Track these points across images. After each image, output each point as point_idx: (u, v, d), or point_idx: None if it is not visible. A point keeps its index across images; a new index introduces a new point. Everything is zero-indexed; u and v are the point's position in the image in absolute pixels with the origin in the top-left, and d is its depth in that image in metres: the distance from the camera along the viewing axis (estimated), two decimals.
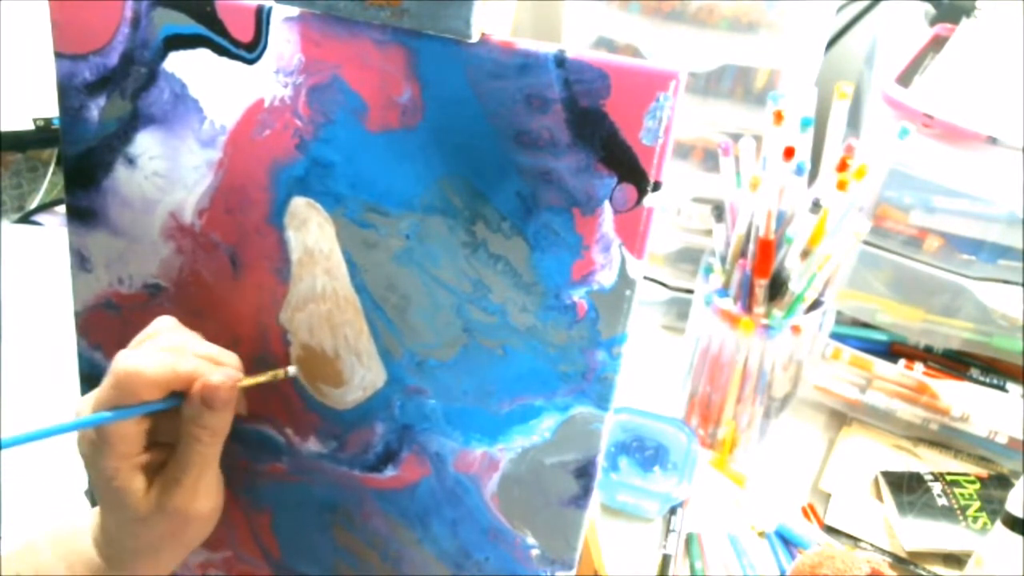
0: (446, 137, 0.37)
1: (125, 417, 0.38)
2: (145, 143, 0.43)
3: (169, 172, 0.43)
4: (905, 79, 0.67)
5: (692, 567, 0.60)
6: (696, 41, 0.71)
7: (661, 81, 0.34)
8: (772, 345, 0.63)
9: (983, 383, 0.70)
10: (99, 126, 0.44)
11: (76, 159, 0.45)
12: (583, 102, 0.35)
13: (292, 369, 0.42)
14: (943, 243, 0.67)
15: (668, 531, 0.62)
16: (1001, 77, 0.67)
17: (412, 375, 0.41)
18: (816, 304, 0.63)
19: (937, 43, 0.72)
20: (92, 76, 0.43)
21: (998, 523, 0.53)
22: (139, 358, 0.38)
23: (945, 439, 0.71)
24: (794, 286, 0.61)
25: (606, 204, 0.36)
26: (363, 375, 0.42)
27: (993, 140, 0.64)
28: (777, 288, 0.62)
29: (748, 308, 0.63)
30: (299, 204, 0.41)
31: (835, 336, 0.72)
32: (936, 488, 0.65)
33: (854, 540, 0.63)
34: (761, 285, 0.62)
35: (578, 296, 0.37)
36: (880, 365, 0.71)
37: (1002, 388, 0.69)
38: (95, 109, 0.44)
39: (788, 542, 0.62)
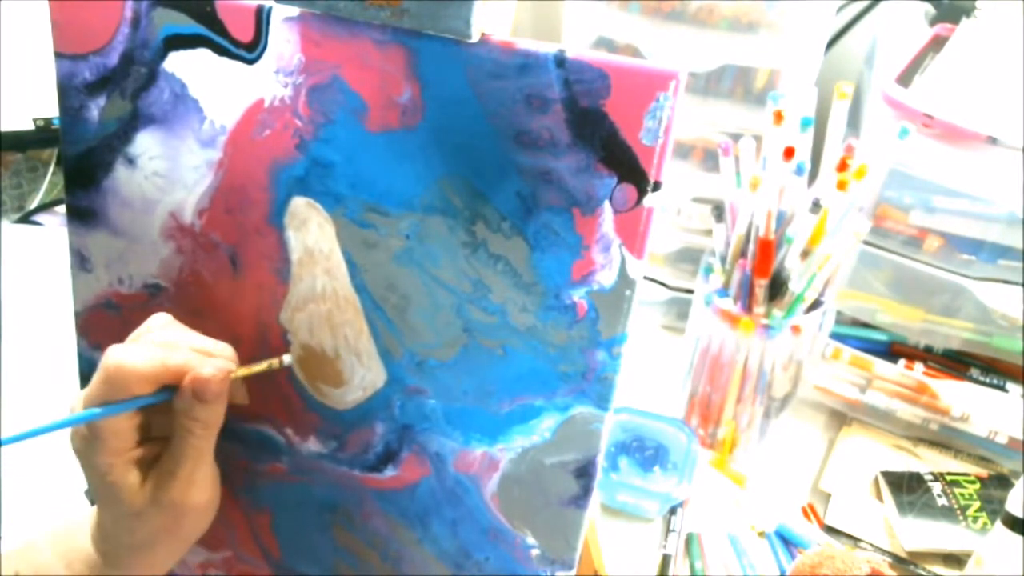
0: (446, 137, 0.37)
1: (116, 412, 0.38)
2: (145, 143, 0.43)
3: (169, 172, 0.43)
4: (905, 79, 0.67)
5: (692, 567, 0.60)
6: (696, 41, 0.71)
7: (661, 81, 0.34)
8: (772, 345, 0.63)
9: (983, 383, 0.70)
10: (99, 126, 0.44)
11: (76, 159, 0.45)
12: (583, 102, 0.35)
13: (287, 358, 0.42)
14: (943, 243, 0.67)
15: (668, 531, 0.62)
16: (1001, 77, 0.67)
17: (412, 375, 0.41)
18: (816, 304, 0.63)
19: (937, 43, 0.72)
20: (92, 76, 0.43)
21: (998, 523, 0.53)
22: (129, 353, 0.38)
23: (945, 439, 0.71)
24: (794, 286, 0.61)
25: (606, 204, 0.36)
26: (363, 375, 0.42)
27: (993, 140, 0.64)
28: (777, 288, 0.62)
29: (748, 308, 0.63)
30: (299, 204, 0.41)
31: (835, 336, 0.72)
32: (936, 488, 0.65)
33: (854, 540, 0.63)
34: (761, 285, 0.62)
35: (578, 296, 0.37)
36: (880, 365, 0.71)
37: (1002, 388, 0.69)
38: (95, 109, 0.44)
39: (788, 542, 0.62)
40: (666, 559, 0.60)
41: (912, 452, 0.71)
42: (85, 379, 0.50)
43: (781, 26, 0.70)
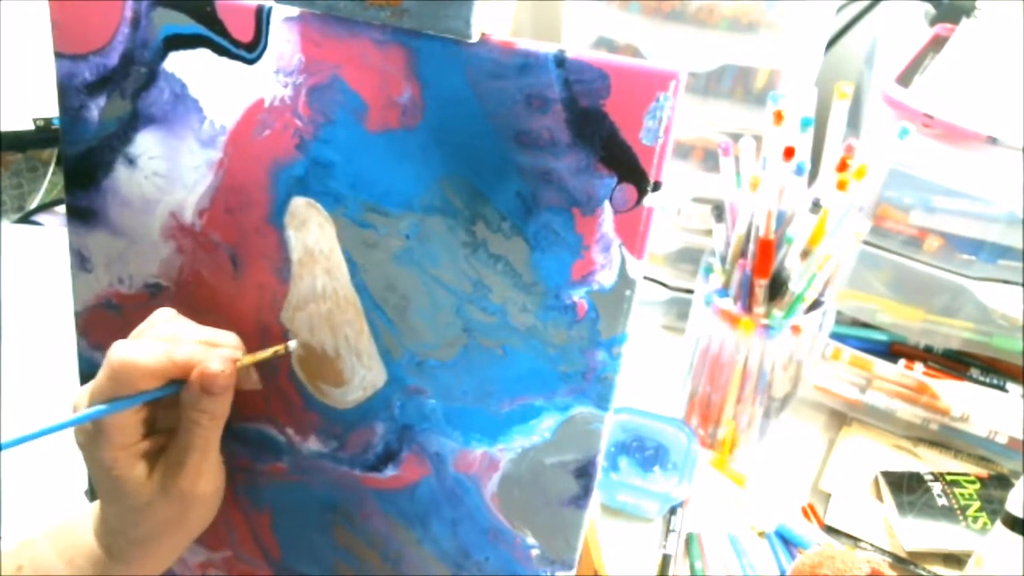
0: (446, 137, 0.37)
1: (123, 408, 0.38)
2: (145, 143, 0.43)
3: (169, 172, 0.43)
4: (905, 79, 0.67)
5: (692, 567, 0.60)
6: (696, 41, 0.71)
7: (661, 81, 0.34)
8: (772, 345, 0.63)
9: (983, 383, 0.70)
10: (99, 126, 0.44)
11: (76, 159, 0.45)
12: (583, 102, 0.35)
13: (292, 344, 0.42)
14: (943, 243, 0.67)
15: (668, 531, 0.62)
16: (1001, 77, 0.67)
17: (412, 375, 0.41)
18: (816, 304, 0.63)
19: (937, 43, 0.72)
20: (92, 76, 0.43)
21: (998, 523, 0.53)
22: (134, 348, 0.38)
23: (945, 439, 0.71)
24: (794, 286, 0.61)
25: (606, 204, 0.36)
26: (363, 375, 0.42)
27: (993, 140, 0.64)
28: (777, 288, 0.62)
29: (748, 308, 0.63)
30: (299, 204, 0.41)
31: (835, 336, 0.72)
32: (936, 488, 0.65)
33: (854, 540, 0.63)
34: (761, 285, 0.62)
35: (578, 296, 0.37)
36: (880, 365, 0.71)
37: (1002, 388, 0.69)
38: (95, 109, 0.44)
39: (788, 542, 0.62)
40: (666, 559, 0.60)
41: (912, 452, 0.71)
42: (85, 379, 0.50)
43: (781, 26, 0.70)
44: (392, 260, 0.40)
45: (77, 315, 0.48)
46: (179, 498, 0.40)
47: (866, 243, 0.68)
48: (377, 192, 0.39)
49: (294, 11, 0.38)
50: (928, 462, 0.70)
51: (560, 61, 0.35)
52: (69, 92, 0.44)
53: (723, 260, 0.65)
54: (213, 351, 0.39)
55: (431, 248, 0.39)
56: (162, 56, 0.41)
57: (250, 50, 0.40)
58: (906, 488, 0.65)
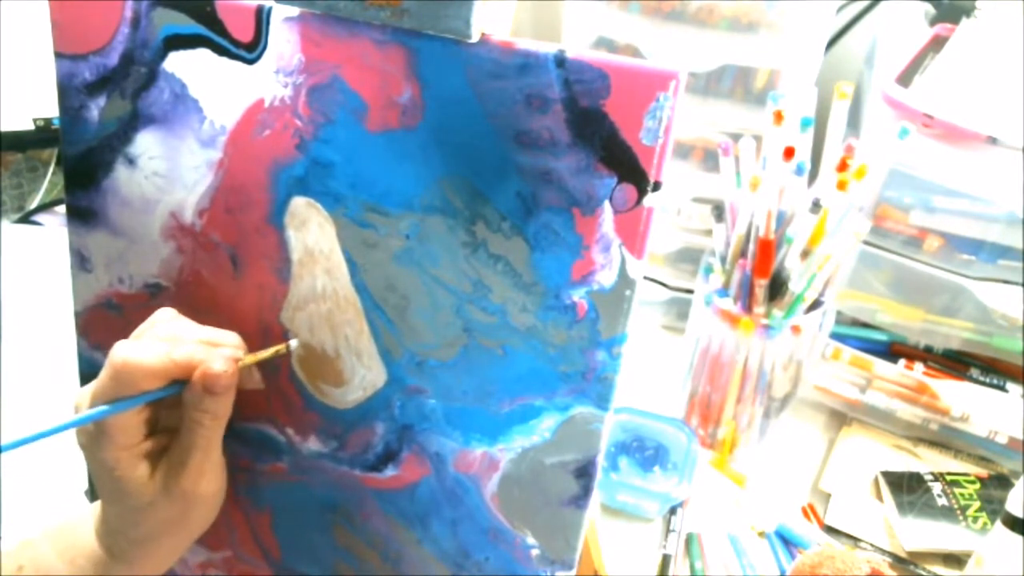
0: (446, 137, 0.37)
1: (125, 409, 0.38)
2: (145, 143, 0.43)
3: (169, 172, 0.43)
4: (905, 79, 0.67)
5: (692, 567, 0.60)
6: (696, 41, 0.71)
7: (661, 81, 0.34)
8: (772, 345, 0.63)
9: (983, 383, 0.70)
10: (99, 126, 0.44)
11: (76, 159, 0.45)
12: (583, 102, 0.35)
13: (294, 343, 0.42)
14: (943, 243, 0.67)
15: (668, 531, 0.62)
16: (1001, 77, 0.67)
17: (412, 375, 0.41)
18: (816, 304, 0.63)
19: (937, 43, 0.72)
20: (92, 76, 0.43)
21: (998, 523, 0.53)
22: (136, 349, 0.38)
23: (945, 439, 0.71)
24: (794, 286, 0.61)
25: (606, 204, 0.36)
26: (363, 375, 0.42)
27: (993, 140, 0.64)
28: (777, 288, 0.62)
29: (748, 308, 0.63)
30: (299, 204, 0.41)
31: (835, 336, 0.72)
32: (936, 488, 0.65)
33: (854, 540, 0.63)
34: (761, 285, 0.62)
35: (578, 296, 0.37)
36: (880, 365, 0.71)
37: (1002, 388, 0.69)
38: (95, 109, 0.44)
39: (788, 542, 0.62)
40: (666, 559, 0.60)
41: (912, 452, 0.71)
42: (85, 379, 0.50)
43: (781, 26, 0.70)
44: (392, 260, 0.40)
45: (77, 315, 0.48)
46: (181, 498, 0.40)
47: (866, 243, 0.68)
48: (377, 192, 0.39)
49: (294, 11, 0.38)
50: (928, 462, 0.70)
51: (560, 61, 0.35)
52: (69, 92, 0.44)
53: (723, 260, 0.65)
54: (215, 351, 0.39)
55: (431, 248, 0.39)
56: (162, 56, 0.41)
57: (250, 50, 0.40)
58: (906, 488, 0.65)
